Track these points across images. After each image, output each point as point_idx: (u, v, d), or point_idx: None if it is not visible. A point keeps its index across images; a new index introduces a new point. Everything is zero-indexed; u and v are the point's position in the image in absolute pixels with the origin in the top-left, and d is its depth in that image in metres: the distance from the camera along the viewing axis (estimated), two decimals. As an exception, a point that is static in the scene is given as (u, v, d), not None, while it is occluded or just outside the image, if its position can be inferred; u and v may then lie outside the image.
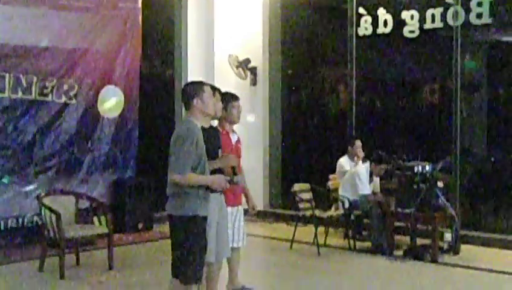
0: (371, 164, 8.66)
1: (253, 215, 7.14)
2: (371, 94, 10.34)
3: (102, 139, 9.28)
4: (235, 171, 5.03)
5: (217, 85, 5.46)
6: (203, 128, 4.76)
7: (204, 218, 4.60)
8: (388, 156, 8.39)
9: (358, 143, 8.76)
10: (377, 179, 8.85)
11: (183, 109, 4.78)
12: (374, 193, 8.73)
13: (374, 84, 10.38)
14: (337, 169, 8.81)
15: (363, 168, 8.65)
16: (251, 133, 10.72)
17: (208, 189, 4.62)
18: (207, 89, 4.69)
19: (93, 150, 9.18)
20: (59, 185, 8.58)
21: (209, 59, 11.26)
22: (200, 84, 4.74)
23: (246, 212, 5.94)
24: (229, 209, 5.39)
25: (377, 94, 10.32)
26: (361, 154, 8.70)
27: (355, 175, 8.60)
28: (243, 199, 5.90)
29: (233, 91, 5.96)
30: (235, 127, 5.88)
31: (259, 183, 10.86)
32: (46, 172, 8.67)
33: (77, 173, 9.00)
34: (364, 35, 9.93)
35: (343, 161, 8.78)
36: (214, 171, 4.82)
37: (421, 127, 9.77)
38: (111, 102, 9.35)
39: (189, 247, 4.52)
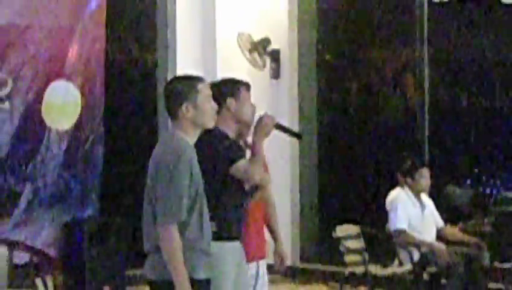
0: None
1: (281, 272, 7.08)
2: (451, 88, 10.41)
3: (49, 161, 9.31)
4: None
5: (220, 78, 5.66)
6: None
7: (207, 282, 4.60)
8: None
9: (425, 173, 8.50)
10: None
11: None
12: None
13: (457, 72, 10.46)
14: (387, 208, 8.59)
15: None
16: (272, 150, 10.58)
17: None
18: (203, 88, 4.64)
19: (36, 178, 9.21)
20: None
21: (209, 40, 11.27)
22: (193, 80, 4.71)
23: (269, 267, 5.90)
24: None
25: (461, 88, 10.38)
26: (427, 188, 8.55)
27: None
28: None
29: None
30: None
31: (285, 226, 10.56)
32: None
33: (10, 212, 9.03)
34: (442, 1, 9.98)
35: (393, 197, 8.56)
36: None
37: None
38: (62, 105, 9.39)
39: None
